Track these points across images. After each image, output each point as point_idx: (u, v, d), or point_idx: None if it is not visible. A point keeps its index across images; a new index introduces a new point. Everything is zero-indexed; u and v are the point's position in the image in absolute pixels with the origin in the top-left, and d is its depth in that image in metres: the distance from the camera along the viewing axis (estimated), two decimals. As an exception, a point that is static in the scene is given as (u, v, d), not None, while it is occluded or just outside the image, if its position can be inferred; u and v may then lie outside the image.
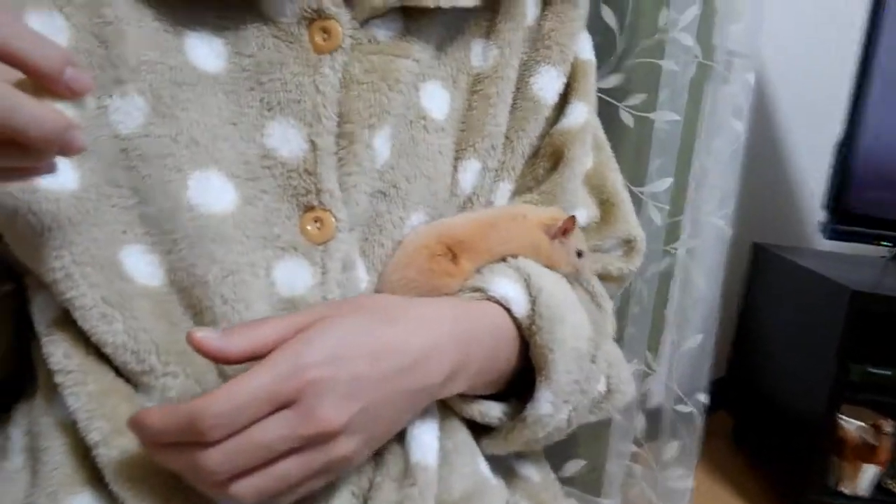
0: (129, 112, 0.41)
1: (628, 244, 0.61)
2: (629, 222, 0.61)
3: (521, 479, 0.55)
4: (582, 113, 0.56)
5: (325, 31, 0.45)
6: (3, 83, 0.29)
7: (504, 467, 0.54)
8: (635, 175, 1.08)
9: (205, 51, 0.44)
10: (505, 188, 0.54)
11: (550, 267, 0.52)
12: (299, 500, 0.40)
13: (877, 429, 1.33)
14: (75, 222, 0.40)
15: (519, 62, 0.54)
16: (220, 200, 0.43)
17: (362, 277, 0.47)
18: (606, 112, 1.05)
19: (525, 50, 0.55)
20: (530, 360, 0.48)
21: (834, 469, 1.35)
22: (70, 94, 0.31)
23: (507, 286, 0.48)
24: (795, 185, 1.87)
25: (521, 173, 0.55)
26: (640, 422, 1.21)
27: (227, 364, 0.38)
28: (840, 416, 1.33)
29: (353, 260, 0.46)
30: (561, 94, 0.56)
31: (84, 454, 0.41)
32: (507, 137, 0.54)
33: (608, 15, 1.03)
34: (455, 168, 0.52)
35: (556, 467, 1.05)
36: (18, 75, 0.30)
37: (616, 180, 0.61)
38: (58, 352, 0.42)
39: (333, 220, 0.45)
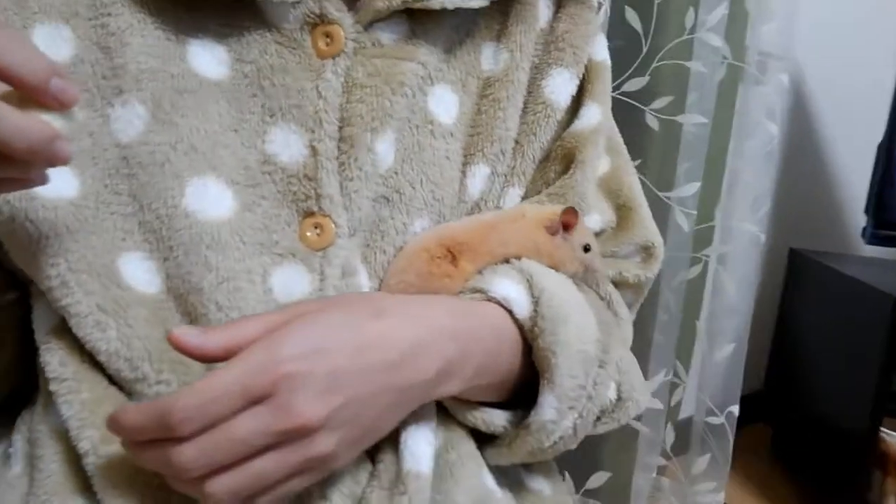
0: (129, 120, 0.42)
1: (646, 250, 0.59)
2: (647, 228, 0.58)
3: (532, 493, 0.53)
4: (595, 115, 0.55)
5: (327, 35, 0.45)
6: None
7: (513, 480, 0.53)
8: (662, 180, 1.06)
9: (207, 58, 0.44)
10: (515, 194, 0.53)
11: (555, 266, 0.50)
12: None
13: (921, 443, 1.30)
14: (73, 230, 0.41)
15: (530, 65, 0.53)
16: (218, 207, 0.43)
17: (364, 284, 0.46)
18: (631, 116, 1.03)
19: (537, 53, 0.54)
20: (535, 367, 0.47)
21: (876, 484, 1.32)
22: (57, 105, 0.32)
23: (508, 287, 0.46)
24: (836, 189, 1.82)
25: (531, 178, 0.54)
26: (668, 434, 1.19)
27: (206, 362, 0.37)
28: (882, 429, 1.31)
29: (354, 266, 0.46)
30: (574, 97, 0.55)
31: (77, 462, 0.41)
32: (517, 142, 0.53)
33: (632, 17, 1.02)
34: (463, 173, 0.51)
35: (581, 479, 1.04)
36: (4, 87, 0.31)
37: (633, 184, 0.59)
38: (54, 360, 0.42)
39: (333, 225, 0.44)
